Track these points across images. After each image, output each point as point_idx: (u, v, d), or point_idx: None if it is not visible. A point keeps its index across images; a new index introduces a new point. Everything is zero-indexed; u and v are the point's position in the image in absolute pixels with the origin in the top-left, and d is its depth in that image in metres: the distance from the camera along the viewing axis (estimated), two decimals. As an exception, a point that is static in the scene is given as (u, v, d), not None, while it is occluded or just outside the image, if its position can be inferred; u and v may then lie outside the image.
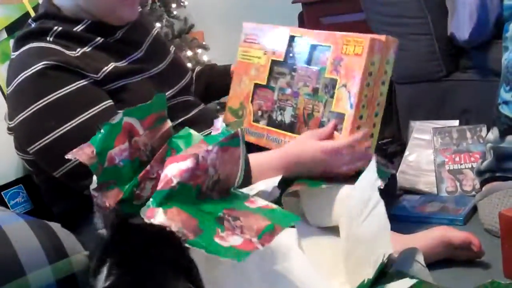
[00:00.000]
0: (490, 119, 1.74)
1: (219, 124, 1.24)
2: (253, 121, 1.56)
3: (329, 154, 1.38)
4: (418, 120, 2.12)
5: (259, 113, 1.55)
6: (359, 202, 1.17)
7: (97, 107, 1.36)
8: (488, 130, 1.79)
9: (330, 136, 1.41)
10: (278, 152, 1.42)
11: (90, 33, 1.46)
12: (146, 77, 1.49)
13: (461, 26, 2.08)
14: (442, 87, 2.21)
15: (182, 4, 3.84)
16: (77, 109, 1.35)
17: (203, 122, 1.47)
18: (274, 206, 1.13)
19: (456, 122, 2.07)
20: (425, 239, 1.44)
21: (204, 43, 3.93)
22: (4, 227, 1.08)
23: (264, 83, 1.57)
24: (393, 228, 1.44)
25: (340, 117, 1.38)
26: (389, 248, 1.13)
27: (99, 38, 1.46)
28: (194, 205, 1.05)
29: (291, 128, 1.48)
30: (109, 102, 1.39)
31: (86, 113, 1.35)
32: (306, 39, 1.49)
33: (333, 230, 1.34)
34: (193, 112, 1.56)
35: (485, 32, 2.06)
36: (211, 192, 1.08)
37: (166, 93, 1.49)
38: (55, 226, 1.17)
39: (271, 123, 1.53)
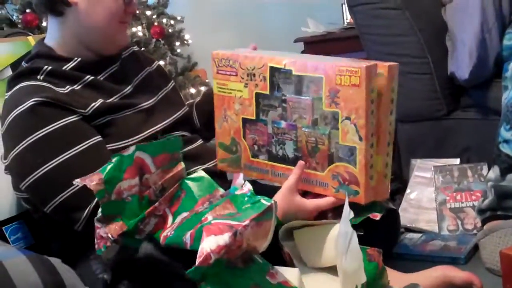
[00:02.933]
0: (491, 157, 1.75)
1: (240, 179, 1.24)
2: (252, 156, 1.53)
3: (313, 213, 1.38)
4: (419, 158, 2.13)
5: (255, 147, 1.51)
6: (343, 237, 1.17)
7: (85, 143, 1.37)
8: (489, 169, 1.80)
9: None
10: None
11: (79, 71, 1.49)
12: (134, 111, 1.50)
13: (461, 65, 2.09)
14: (443, 125, 2.22)
15: (185, 42, 3.88)
16: (65, 145, 1.36)
17: (199, 159, 1.48)
18: (293, 283, 1.14)
19: (457, 161, 2.07)
20: (427, 278, 1.44)
21: (206, 80, 3.95)
22: (4, 262, 1.08)
23: (253, 117, 1.49)
24: (394, 267, 1.45)
25: (352, 149, 1.35)
26: (364, 278, 1.13)
27: (88, 76, 1.48)
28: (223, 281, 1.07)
29: (296, 162, 1.46)
30: (97, 138, 1.40)
31: (74, 148, 1.36)
32: (291, 70, 1.40)
33: (332, 270, 1.33)
34: (188, 148, 1.56)
35: (485, 71, 2.08)
36: (237, 259, 1.09)
37: (156, 127, 1.50)
38: (56, 262, 1.17)
39: (273, 158, 1.50)
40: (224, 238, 1.04)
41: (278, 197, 1.38)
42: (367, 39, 2.36)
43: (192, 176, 1.28)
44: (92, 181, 1.17)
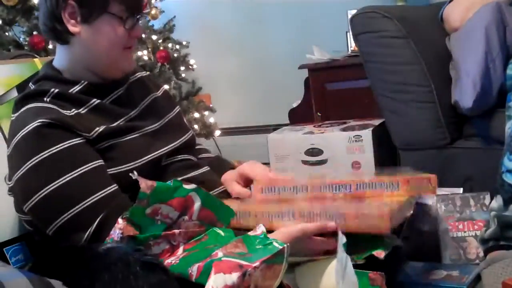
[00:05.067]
0: (494, 187, 1.74)
1: (260, 230, 1.23)
2: None
3: (321, 253, 1.35)
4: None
5: None
6: (339, 263, 1.17)
7: (86, 166, 1.38)
8: (491, 198, 1.79)
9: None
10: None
11: (86, 95, 1.49)
12: (139, 135, 1.51)
13: (465, 94, 2.10)
14: (445, 154, 2.23)
15: (190, 67, 3.91)
16: (68, 166, 1.37)
17: (204, 185, 1.48)
18: None
19: (459, 190, 2.07)
20: (429, 307, 1.43)
21: (211, 105, 3.98)
22: (5, 283, 1.08)
23: None
24: (396, 295, 1.44)
25: None
26: None
27: (94, 99, 1.49)
28: None
29: None
30: (99, 162, 1.40)
31: (75, 171, 1.36)
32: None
33: None
34: (193, 173, 1.56)
35: (488, 100, 2.08)
36: None
37: (160, 151, 1.51)
38: (57, 284, 1.17)
39: None
40: (233, 278, 1.03)
41: (288, 233, 1.32)
42: (371, 67, 2.37)
43: (222, 228, 1.28)
44: (146, 182, 1.20)
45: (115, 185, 1.39)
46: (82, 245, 1.31)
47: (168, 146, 1.55)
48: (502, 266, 1.62)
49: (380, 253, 1.39)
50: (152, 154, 1.49)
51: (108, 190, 1.37)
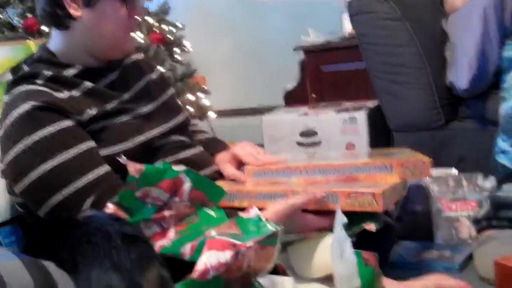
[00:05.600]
0: (487, 167, 1.75)
1: (254, 212, 1.23)
2: None
3: (313, 230, 1.36)
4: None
5: None
6: (336, 242, 1.17)
7: (78, 147, 1.37)
8: (484, 179, 1.80)
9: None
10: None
11: (80, 78, 1.49)
12: (131, 117, 1.51)
13: (461, 75, 2.10)
14: (440, 135, 2.23)
15: (185, 49, 3.90)
16: (59, 148, 1.36)
17: (196, 165, 1.48)
18: None
19: (453, 170, 2.07)
20: (421, 286, 1.43)
21: (205, 87, 3.97)
22: (-2, 264, 1.08)
23: None
24: (389, 275, 1.44)
25: None
26: (358, 282, 1.13)
27: (88, 83, 1.49)
28: None
29: None
30: (91, 144, 1.40)
31: (67, 153, 1.36)
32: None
33: (326, 280, 1.33)
34: (184, 153, 1.55)
35: (484, 81, 2.08)
36: (236, 282, 1.07)
37: (153, 133, 1.51)
38: (49, 266, 1.17)
39: None
40: (226, 256, 1.03)
41: (276, 210, 1.34)
42: (367, 49, 2.37)
43: (213, 208, 1.28)
44: (134, 166, 1.20)
45: (107, 166, 1.39)
46: (62, 216, 1.31)
47: (161, 128, 1.54)
48: (494, 245, 1.62)
49: (371, 226, 1.39)
50: (145, 136, 1.49)
51: (100, 171, 1.37)
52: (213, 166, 1.58)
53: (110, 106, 1.49)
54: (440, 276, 1.47)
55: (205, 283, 1.01)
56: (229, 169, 1.56)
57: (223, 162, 1.60)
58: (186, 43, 3.90)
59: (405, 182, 1.55)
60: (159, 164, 1.25)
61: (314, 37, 3.52)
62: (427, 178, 1.98)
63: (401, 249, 1.86)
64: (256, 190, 1.43)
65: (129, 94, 1.56)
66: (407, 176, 1.43)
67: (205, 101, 3.93)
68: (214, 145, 1.69)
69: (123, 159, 1.23)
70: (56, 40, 1.53)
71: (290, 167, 1.49)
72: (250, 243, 1.06)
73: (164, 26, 3.75)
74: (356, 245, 1.34)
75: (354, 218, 1.37)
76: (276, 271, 1.26)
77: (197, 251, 1.06)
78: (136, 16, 1.53)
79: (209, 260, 1.02)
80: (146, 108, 1.56)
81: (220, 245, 1.05)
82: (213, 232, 1.12)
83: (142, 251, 1.02)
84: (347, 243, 1.15)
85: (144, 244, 1.05)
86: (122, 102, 1.52)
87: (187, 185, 1.24)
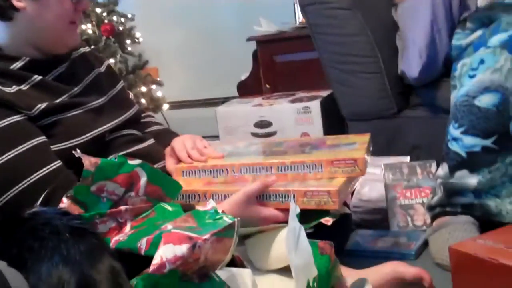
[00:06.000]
0: (440, 155, 1.78)
1: (210, 205, 1.23)
2: None
3: (268, 222, 1.37)
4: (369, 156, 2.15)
5: None
6: (291, 233, 1.17)
7: (29, 143, 1.35)
8: (437, 166, 1.83)
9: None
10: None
11: (27, 71, 1.46)
12: (82, 111, 1.49)
13: (411, 64, 2.13)
14: (393, 124, 2.26)
15: (136, 40, 3.85)
16: (9, 145, 1.34)
17: (149, 158, 1.47)
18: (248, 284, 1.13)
19: (406, 158, 2.10)
20: (377, 274, 1.45)
21: (158, 79, 3.93)
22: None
23: None
24: (346, 264, 1.45)
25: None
26: (315, 272, 1.13)
27: (36, 76, 1.46)
28: None
29: None
30: (41, 139, 1.38)
31: (17, 149, 1.34)
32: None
33: (283, 271, 1.33)
34: (137, 147, 1.55)
35: (434, 70, 2.11)
36: (193, 275, 1.06)
37: (105, 127, 1.49)
38: (1, 265, 1.14)
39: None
40: (182, 249, 1.01)
41: (234, 200, 1.38)
42: (319, 39, 2.37)
43: (170, 203, 1.26)
44: (90, 160, 1.18)
45: (59, 161, 1.37)
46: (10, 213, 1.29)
47: (112, 122, 1.53)
48: (449, 231, 1.65)
49: (328, 220, 1.41)
50: (96, 130, 1.47)
51: (52, 166, 1.35)
52: (164, 160, 1.58)
53: (60, 100, 1.46)
54: (397, 263, 1.49)
55: (161, 277, 1.00)
56: (168, 163, 1.56)
57: (166, 155, 1.59)
58: (137, 34, 3.85)
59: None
60: (114, 158, 1.23)
61: (266, 27, 3.52)
62: (381, 164, 2.01)
63: (358, 237, 1.88)
64: (188, 190, 1.45)
65: (79, 88, 1.53)
66: (338, 175, 1.42)
67: (158, 92, 3.90)
68: (166, 137, 1.68)
69: (77, 153, 1.21)
70: (0, 32, 1.49)
71: (216, 166, 1.49)
72: (206, 235, 1.05)
73: (114, 17, 3.70)
74: (313, 235, 1.35)
75: (311, 213, 1.38)
76: (234, 263, 1.25)
77: (153, 245, 1.05)
78: (82, 9, 1.51)
79: (165, 253, 1.01)
80: (96, 102, 1.54)
81: (177, 238, 1.04)
82: (169, 226, 1.11)
83: (91, 243, 1.01)
84: (302, 233, 1.15)
85: (93, 237, 1.04)
86: (72, 96, 1.50)
87: (143, 180, 1.23)
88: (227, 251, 1.09)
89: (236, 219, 1.10)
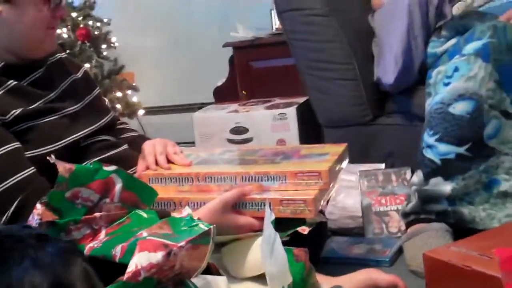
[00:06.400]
0: (415, 162, 1.78)
1: (186, 212, 1.22)
2: None
3: (245, 230, 1.37)
4: (345, 163, 2.16)
5: None
6: (266, 240, 1.17)
7: (2, 148, 1.33)
8: (412, 173, 1.83)
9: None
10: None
11: (2, 76, 1.44)
12: (58, 117, 1.47)
13: (387, 71, 2.13)
14: (368, 131, 2.26)
15: (112, 45, 3.82)
16: None
17: (123, 164, 1.45)
18: None
19: (381, 165, 2.11)
20: (352, 281, 1.45)
21: (134, 84, 3.90)
22: None
23: None
24: (321, 271, 1.45)
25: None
26: (290, 279, 1.12)
27: (11, 81, 1.44)
28: None
29: None
30: (15, 145, 1.36)
31: None
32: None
33: (259, 278, 1.33)
34: (111, 153, 1.54)
35: (409, 77, 2.12)
36: (168, 282, 1.05)
37: (80, 133, 1.48)
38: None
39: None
40: (157, 257, 1.00)
41: (210, 208, 1.37)
42: (295, 45, 2.37)
43: (145, 210, 1.25)
44: (64, 166, 1.16)
45: (32, 168, 1.35)
46: None
47: (88, 129, 1.52)
48: (423, 238, 1.66)
49: (304, 229, 1.41)
50: (71, 137, 1.46)
51: (25, 173, 1.33)
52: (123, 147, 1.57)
53: (35, 105, 1.45)
54: (371, 270, 1.49)
55: (136, 285, 0.99)
56: (139, 167, 1.56)
57: (139, 159, 1.59)
58: (113, 38, 3.83)
59: (336, 179, 1.57)
60: (89, 164, 1.22)
61: (243, 33, 3.52)
62: (357, 172, 2.01)
63: (333, 244, 1.88)
64: (163, 198, 1.44)
65: (55, 93, 1.52)
66: (301, 187, 1.42)
67: (134, 98, 3.87)
68: (140, 143, 1.67)
69: (52, 159, 1.19)
70: None
71: (182, 174, 1.49)
72: (182, 242, 1.04)
73: (89, 22, 3.67)
74: (288, 242, 1.34)
75: (287, 221, 1.38)
76: (210, 271, 1.25)
77: (128, 252, 1.04)
78: (59, 16, 1.50)
79: (140, 261, 1.00)
80: (72, 108, 1.52)
81: (151, 245, 1.03)
82: (144, 233, 1.10)
83: (61, 246, 0.99)
84: (277, 240, 1.15)
85: (62, 241, 1.02)
86: (47, 102, 1.48)
87: (118, 186, 1.22)
88: (202, 258, 1.08)
89: (212, 226, 1.09)
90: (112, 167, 1.22)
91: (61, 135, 1.44)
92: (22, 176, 1.32)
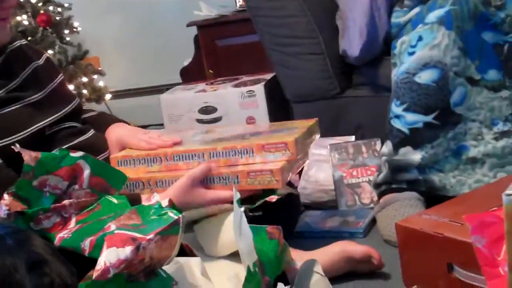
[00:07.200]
0: (384, 133, 1.79)
1: (155, 199, 1.21)
2: None
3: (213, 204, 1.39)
4: (315, 137, 2.16)
5: None
6: (235, 218, 1.17)
7: None
8: (382, 144, 1.85)
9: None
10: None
11: None
12: (21, 105, 1.45)
13: (352, 43, 2.13)
14: (336, 104, 2.26)
15: (75, 30, 3.77)
16: None
17: (92, 150, 1.44)
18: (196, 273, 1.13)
19: (351, 138, 2.12)
20: (327, 254, 1.46)
21: (100, 68, 3.85)
22: None
23: None
24: (296, 245, 1.46)
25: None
26: (255, 257, 1.13)
27: None
28: None
29: None
30: None
31: None
32: None
33: (234, 256, 1.33)
34: (78, 140, 1.52)
35: (374, 48, 2.12)
36: (139, 274, 1.04)
37: (45, 121, 1.46)
38: None
39: None
40: (126, 252, 0.99)
41: (178, 185, 1.38)
42: (259, 22, 2.36)
43: (115, 195, 1.24)
44: (30, 154, 1.15)
45: None
46: None
47: (53, 117, 1.49)
48: (395, 208, 1.68)
49: (272, 198, 1.42)
50: (36, 125, 1.44)
51: None
52: (108, 150, 1.56)
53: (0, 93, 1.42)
54: (345, 243, 1.51)
55: (106, 282, 0.99)
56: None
57: (111, 147, 1.58)
58: (75, 23, 3.77)
59: (306, 153, 1.57)
60: (55, 152, 1.20)
61: (206, 12, 3.48)
62: (327, 145, 2.02)
63: (307, 218, 1.89)
64: (132, 179, 1.46)
65: (15, 82, 1.49)
66: (269, 159, 1.44)
67: (100, 82, 3.83)
68: (103, 122, 1.67)
69: (17, 148, 1.18)
70: None
71: (150, 154, 1.50)
72: (151, 235, 1.03)
73: (50, 7, 3.61)
74: (261, 219, 1.35)
75: (258, 195, 1.39)
76: (185, 252, 1.24)
77: (97, 247, 1.03)
78: (9, 7, 1.45)
79: (108, 258, 0.99)
80: (35, 96, 1.50)
81: (120, 240, 1.01)
82: (112, 226, 1.08)
83: (17, 229, 1.04)
84: (243, 219, 1.15)
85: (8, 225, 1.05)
86: (9, 91, 1.45)
87: (86, 172, 1.21)
88: (172, 247, 1.08)
89: (180, 215, 1.08)
90: (79, 153, 1.21)
91: (25, 124, 1.42)
92: None
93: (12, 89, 1.47)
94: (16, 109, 1.43)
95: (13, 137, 1.38)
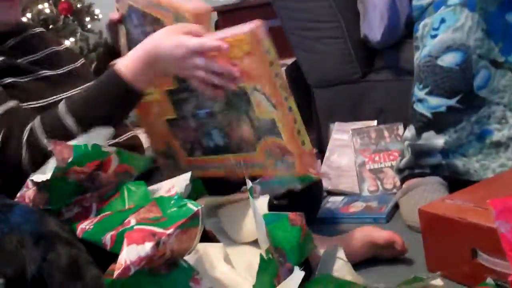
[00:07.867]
0: (406, 117, 1.78)
1: (174, 190, 1.20)
2: (188, 155, 1.48)
3: (194, 51, 1.26)
4: (337, 122, 2.15)
5: (188, 146, 1.47)
6: (253, 208, 1.17)
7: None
8: (404, 128, 1.83)
9: (197, 33, 1.29)
10: (141, 44, 1.32)
11: None
12: (39, 77, 1.46)
13: (373, 27, 2.12)
14: (358, 88, 2.25)
15: (96, 17, 3.78)
16: None
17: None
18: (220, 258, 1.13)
19: (374, 122, 2.10)
20: (350, 240, 1.46)
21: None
22: None
23: (174, 116, 1.44)
24: (319, 231, 1.46)
25: (272, 121, 1.31)
26: (267, 244, 1.12)
27: None
28: None
29: (227, 148, 1.40)
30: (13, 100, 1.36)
31: None
32: None
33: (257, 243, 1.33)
34: None
35: (396, 32, 2.10)
36: (161, 266, 1.05)
37: (61, 95, 1.46)
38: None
39: (206, 151, 1.45)
40: (146, 249, 0.99)
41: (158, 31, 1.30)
42: (280, 6, 2.35)
43: (136, 182, 1.24)
44: (62, 155, 1.14)
45: (14, 101, 1.34)
46: None
47: (71, 91, 1.49)
48: (418, 193, 1.67)
49: (296, 187, 1.41)
50: (54, 97, 1.43)
51: (7, 106, 1.32)
52: (128, 133, 1.55)
53: (16, 61, 1.44)
54: (368, 228, 1.50)
55: (128, 279, 0.99)
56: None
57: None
58: (96, 10, 3.78)
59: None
60: (87, 147, 1.19)
61: (227, -3, 3.48)
62: (349, 130, 2.01)
63: (329, 204, 1.88)
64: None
65: (36, 56, 1.50)
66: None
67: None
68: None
69: (49, 144, 1.17)
70: None
71: None
72: (170, 229, 1.03)
73: (71, -5, 3.62)
74: (284, 205, 1.35)
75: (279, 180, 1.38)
76: (207, 237, 1.25)
77: (117, 243, 1.03)
78: None
79: (129, 256, 0.98)
80: (53, 71, 1.51)
81: (140, 237, 1.01)
82: (132, 221, 1.09)
83: (24, 207, 1.02)
84: (255, 206, 1.15)
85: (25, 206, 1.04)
86: (28, 62, 1.47)
87: (114, 163, 1.21)
88: (192, 240, 1.08)
89: (200, 207, 1.08)
90: (113, 148, 1.21)
91: (42, 95, 1.42)
92: (4, 109, 1.31)
93: (31, 62, 1.48)
94: (34, 79, 1.44)
95: (31, 103, 1.39)
